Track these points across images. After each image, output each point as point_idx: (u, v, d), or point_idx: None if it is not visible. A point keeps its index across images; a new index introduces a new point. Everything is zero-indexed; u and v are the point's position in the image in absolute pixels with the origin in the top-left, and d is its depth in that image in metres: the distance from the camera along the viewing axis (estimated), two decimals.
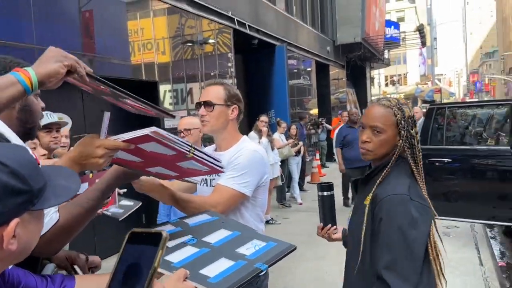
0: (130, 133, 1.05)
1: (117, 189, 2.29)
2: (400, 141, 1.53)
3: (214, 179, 1.98)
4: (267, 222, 6.55)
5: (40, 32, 4.29)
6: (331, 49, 15.70)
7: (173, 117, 1.36)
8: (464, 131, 5.89)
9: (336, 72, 16.71)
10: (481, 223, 5.63)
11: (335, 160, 8.11)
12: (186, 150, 1.11)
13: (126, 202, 2.36)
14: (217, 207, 1.75)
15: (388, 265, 1.40)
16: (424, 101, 30.61)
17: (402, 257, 1.40)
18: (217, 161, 1.30)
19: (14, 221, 0.66)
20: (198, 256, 1.04)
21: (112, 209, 2.19)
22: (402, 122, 1.53)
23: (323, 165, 11.72)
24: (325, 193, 1.84)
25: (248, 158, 1.90)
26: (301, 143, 8.32)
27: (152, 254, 0.70)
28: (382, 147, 1.55)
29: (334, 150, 7.56)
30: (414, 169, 1.55)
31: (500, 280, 4.23)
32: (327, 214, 1.86)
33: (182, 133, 3.03)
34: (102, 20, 5.32)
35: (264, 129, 6.47)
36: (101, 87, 1.08)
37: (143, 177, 1.53)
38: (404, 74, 52.20)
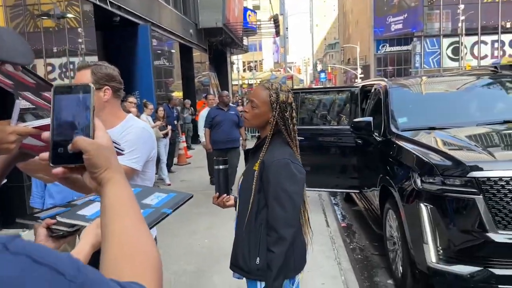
0: (40, 120, 1.11)
1: None
2: (272, 118, 1.88)
3: None
4: None
5: None
6: (194, 33, 15.84)
7: None
8: (312, 113, 6.73)
9: (199, 55, 16.95)
10: (327, 191, 6.58)
11: (200, 142, 8.35)
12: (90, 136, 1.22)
13: None
14: None
15: (282, 219, 1.77)
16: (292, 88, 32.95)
17: (290, 210, 1.78)
18: (117, 143, 1.42)
19: None
20: None
21: None
22: (274, 104, 1.87)
23: (189, 147, 11.95)
24: (221, 167, 2.10)
25: (137, 135, 2.01)
26: (169, 126, 8.39)
27: (85, 98, 0.75)
28: (254, 118, 1.92)
29: (200, 131, 7.76)
30: (289, 141, 1.91)
31: (342, 237, 5.09)
32: (222, 184, 2.12)
33: None
34: None
35: (134, 110, 6.35)
36: (26, 79, 1.12)
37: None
38: (260, 61, 55.17)
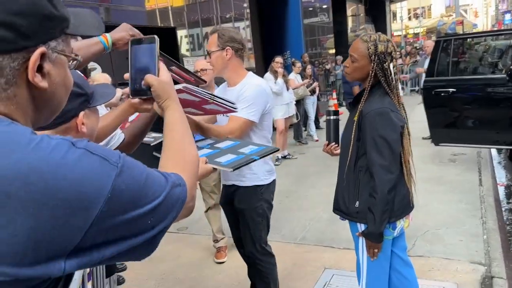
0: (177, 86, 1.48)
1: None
2: (371, 70, 1.92)
3: None
4: (284, 157, 7.03)
5: None
6: None
7: (205, 82, 1.75)
8: (468, 62, 6.02)
9: (354, 8, 16.42)
10: (485, 147, 5.96)
11: None
12: (208, 98, 1.54)
13: (155, 134, 2.87)
14: (234, 133, 2.19)
15: (380, 164, 1.86)
16: (447, 34, 29.57)
17: (388, 157, 1.87)
18: (232, 103, 1.73)
19: (81, 113, 1.13)
20: (212, 153, 1.52)
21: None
22: (373, 56, 1.91)
23: (340, 104, 11.97)
24: (331, 117, 2.28)
25: (253, 92, 2.29)
26: (316, 83, 8.57)
27: (152, 47, 1.02)
28: (355, 72, 1.98)
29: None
30: (388, 91, 1.95)
31: (495, 196, 4.65)
32: (332, 134, 2.28)
33: (199, 73, 3.47)
34: None
35: (280, 70, 6.60)
36: (189, 77, 1.50)
37: None
38: (428, 6, 49.87)
